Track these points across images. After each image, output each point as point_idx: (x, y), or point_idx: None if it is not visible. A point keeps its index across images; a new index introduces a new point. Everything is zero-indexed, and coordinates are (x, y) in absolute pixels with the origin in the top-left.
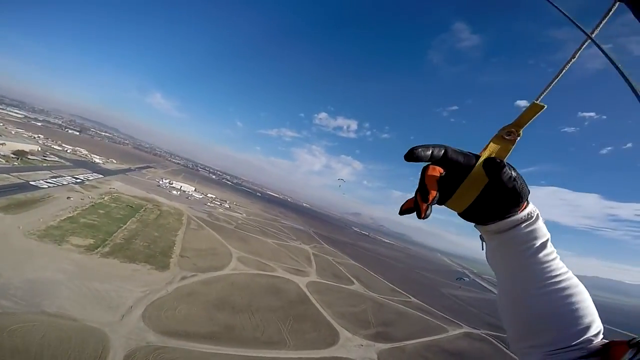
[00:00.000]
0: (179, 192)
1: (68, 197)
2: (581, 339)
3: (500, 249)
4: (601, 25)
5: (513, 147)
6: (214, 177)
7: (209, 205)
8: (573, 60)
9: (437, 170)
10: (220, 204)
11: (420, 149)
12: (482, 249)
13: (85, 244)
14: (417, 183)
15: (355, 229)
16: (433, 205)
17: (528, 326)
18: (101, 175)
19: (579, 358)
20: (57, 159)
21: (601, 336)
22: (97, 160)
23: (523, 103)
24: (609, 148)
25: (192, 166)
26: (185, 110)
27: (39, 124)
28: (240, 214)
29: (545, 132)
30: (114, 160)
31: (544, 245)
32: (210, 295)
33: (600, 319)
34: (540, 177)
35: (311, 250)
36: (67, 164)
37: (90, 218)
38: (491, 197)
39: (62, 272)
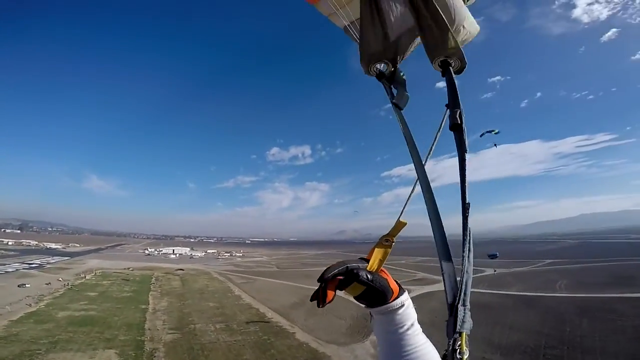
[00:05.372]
0: (177, 256)
1: (20, 285)
2: None
3: (381, 326)
4: None
5: (390, 250)
6: (193, 240)
7: (223, 259)
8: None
9: (337, 280)
10: (231, 255)
11: (328, 275)
12: (370, 322)
13: None
14: (319, 286)
15: (357, 242)
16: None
17: None
18: (67, 257)
19: None
20: None
21: None
22: (55, 247)
23: (441, 84)
24: (526, 101)
25: (164, 237)
26: (128, 187)
27: None
28: (261, 257)
29: (471, 105)
30: (76, 245)
31: (412, 325)
32: None
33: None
34: (483, 142)
35: None
36: (11, 253)
37: (77, 307)
38: (371, 292)
39: None
